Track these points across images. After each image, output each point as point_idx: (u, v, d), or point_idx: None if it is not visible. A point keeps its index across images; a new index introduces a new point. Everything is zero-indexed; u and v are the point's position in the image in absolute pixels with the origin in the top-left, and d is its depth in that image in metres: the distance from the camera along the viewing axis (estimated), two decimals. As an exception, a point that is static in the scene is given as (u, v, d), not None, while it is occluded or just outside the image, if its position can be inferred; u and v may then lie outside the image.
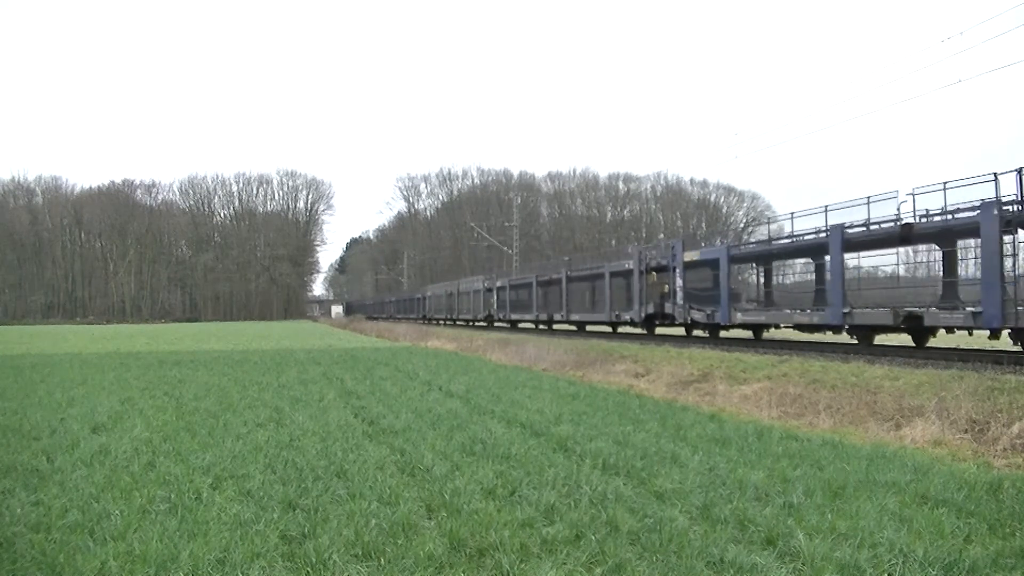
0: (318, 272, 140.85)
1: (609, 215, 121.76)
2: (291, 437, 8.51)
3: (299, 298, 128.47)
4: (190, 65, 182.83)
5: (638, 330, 27.05)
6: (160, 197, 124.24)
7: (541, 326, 37.67)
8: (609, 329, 31.13)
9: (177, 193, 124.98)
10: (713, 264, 21.61)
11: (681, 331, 24.81)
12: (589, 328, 32.90)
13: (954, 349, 15.11)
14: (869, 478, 6.34)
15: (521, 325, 41.11)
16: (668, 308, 23.24)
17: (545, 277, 35.96)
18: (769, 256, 21.27)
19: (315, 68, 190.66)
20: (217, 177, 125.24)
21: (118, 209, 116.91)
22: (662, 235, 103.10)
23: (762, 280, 22.18)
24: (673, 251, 22.99)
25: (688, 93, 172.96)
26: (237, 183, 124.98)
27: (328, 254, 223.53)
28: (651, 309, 24.06)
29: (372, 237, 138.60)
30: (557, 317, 33.08)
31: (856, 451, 7.64)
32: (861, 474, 6.49)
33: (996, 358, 12.61)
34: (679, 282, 22.46)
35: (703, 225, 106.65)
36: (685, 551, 4.51)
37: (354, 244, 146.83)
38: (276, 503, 5.61)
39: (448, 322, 55.20)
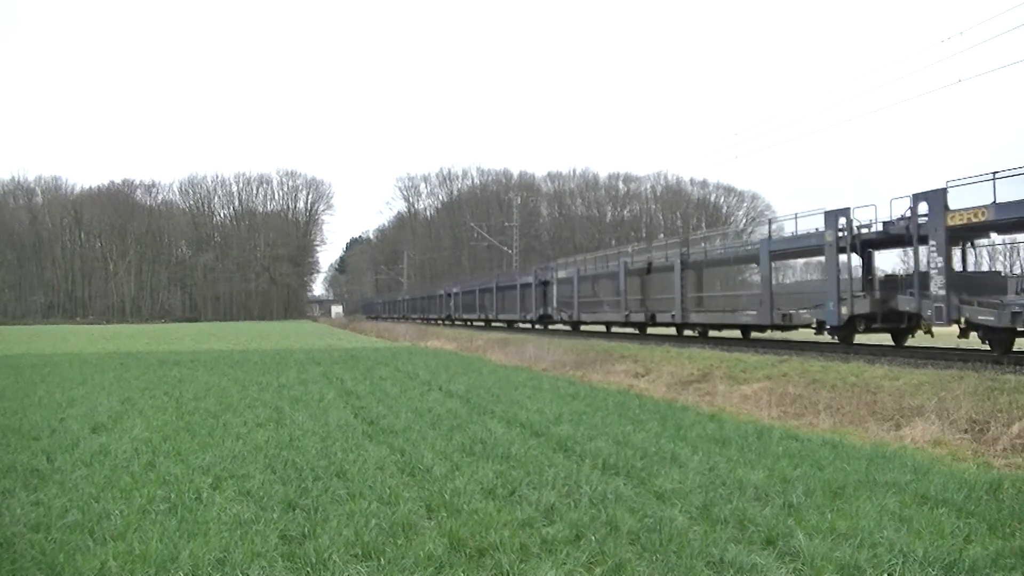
0: (318, 272, 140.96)
1: (609, 215, 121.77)
2: (291, 437, 8.51)
3: (299, 298, 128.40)
4: (190, 65, 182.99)
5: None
6: (160, 197, 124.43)
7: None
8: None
9: (177, 193, 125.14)
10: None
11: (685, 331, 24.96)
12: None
13: (954, 349, 15.10)
14: (869, 478, 6.34)
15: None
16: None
17: None
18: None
19: (315, 68, 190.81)
20: (217, 177, 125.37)
21: (118, 209, 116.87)
22: (662, 235, 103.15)
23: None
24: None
25: (688, 93, 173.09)
26: (237, 183, 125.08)
27: (328, 254, 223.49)
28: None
29: (372, 237, 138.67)
30: None
31: (856, 451, 7.64)
32: (861, 474, 6.49)
33: (996, 358, 12.61)
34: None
35: (703, 225, 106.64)
36: (685, 551, 4.51)
37: (354, 244, 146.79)
38: (276, 503, 5.61)
39: (633, 329, 27.27)
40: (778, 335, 20.81)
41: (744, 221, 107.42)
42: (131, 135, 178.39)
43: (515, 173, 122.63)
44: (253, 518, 5.21)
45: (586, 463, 7.02)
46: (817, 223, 17.06)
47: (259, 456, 7.40)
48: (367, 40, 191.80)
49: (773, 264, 20.35)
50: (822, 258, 17.90)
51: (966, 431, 8.66)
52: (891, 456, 7.35)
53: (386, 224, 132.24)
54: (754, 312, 19.23)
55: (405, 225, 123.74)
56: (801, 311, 17.48)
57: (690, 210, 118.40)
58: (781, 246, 18.97)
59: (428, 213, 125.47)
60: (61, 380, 15.87)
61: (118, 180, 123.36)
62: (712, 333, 23.11)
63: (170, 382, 15.29)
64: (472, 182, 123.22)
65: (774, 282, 19.48)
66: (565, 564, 4.36)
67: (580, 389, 13.69)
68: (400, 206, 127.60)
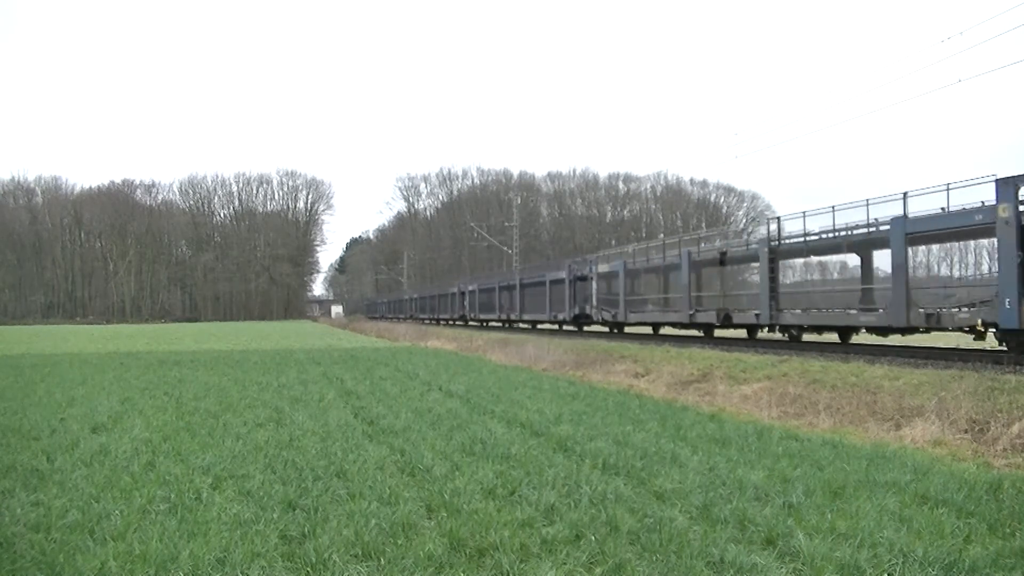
0: (318, 272, 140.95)
1: (609, 215, 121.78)
2: (291, 437, 8.51)
3: (299, 298, 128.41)
4: (190, 65, 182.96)
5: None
6: (160, 197, 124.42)
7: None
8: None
9: (177, 193, 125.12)
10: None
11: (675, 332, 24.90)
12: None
13: (954, 349, 15.07)
14: (869, 478, 6.34)
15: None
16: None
17: None
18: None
19: (315, 68, 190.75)
20: (217, 177, 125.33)
21: (118, 209, 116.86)
22: (662, 235, 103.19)
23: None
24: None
25: (688, 93, 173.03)
26: (237, 183, 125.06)
27: (328, 254, 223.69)
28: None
29: (372, 237, 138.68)
30: None
31: (856, 451, 7.64)
32: (861, 474, 6.49)
33: (996, 358, 12.60)
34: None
35: (703, 225, 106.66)
36: (685, 551, 4.51)
37: (354, 244, 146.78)
38: (276, 503, 5.61)
39: (698, 332, 23.30)
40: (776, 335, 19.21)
41: (744, 221, 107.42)
42: (131, 135, 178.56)
43: (515, 173, 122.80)
44: (253, 518, 5.20)
45: (586, 463, 7.02)
46: (977, 196, 13.08)
47: (259, 456, 7.40)
48: (367, 40, 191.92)
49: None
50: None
51: (966, 431, 8.67)
52: (891, 456, 7.35)
53: (386, 224, 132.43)
54: (879, 311, 15.34)
55: (405, 225, 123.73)
56: (955, 310, 13.72)
57: (690, 210, 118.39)
58: (924, 226, 14.18)
59: (428, 213, 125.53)
60: (61, 380, 15.86)
61: (118, 180, 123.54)
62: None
63: (170, 382, 15.29)
64: (472, 182, 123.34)
65: (909, 272, 14.75)
66: (565, 564, 4.36)
67: (580, 389, 13.69)
68: (400, 206, 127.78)
